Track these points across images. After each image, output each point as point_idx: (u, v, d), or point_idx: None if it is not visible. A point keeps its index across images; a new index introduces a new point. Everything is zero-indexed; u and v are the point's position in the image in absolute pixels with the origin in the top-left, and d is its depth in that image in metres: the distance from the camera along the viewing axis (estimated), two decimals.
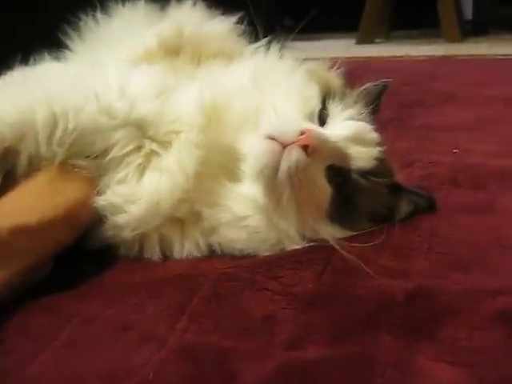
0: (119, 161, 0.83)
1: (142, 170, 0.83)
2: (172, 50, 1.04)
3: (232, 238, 0.82)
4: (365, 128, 0.85)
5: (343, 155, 0.82)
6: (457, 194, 1.02)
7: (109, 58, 0.98)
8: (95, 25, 1.13)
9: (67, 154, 0.81)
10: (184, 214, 0.83)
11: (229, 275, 0.76)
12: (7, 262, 0.71)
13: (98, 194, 0.82)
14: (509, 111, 1.63)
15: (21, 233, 0.72)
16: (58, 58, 1.01)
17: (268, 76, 0.89)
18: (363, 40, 3.49)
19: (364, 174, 0.83)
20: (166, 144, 0.84)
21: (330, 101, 0.87)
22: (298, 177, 0.77)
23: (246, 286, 0.73)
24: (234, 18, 1.15)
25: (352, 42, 3.53)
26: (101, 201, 0.82)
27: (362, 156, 0.83)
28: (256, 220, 0.81)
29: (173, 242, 0.84)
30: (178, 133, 0.83)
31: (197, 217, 0.84)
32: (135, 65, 0.93)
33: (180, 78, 0.91)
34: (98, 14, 1.13)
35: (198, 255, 0.84)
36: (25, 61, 0.93)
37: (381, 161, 0.85)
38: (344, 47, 3.35)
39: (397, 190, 0.88)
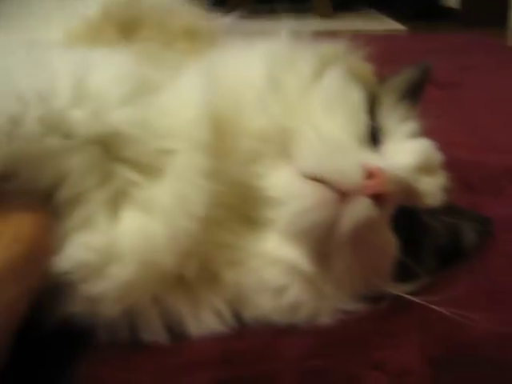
0: (78, 198, 0.53)
1: (113, 207, 0.54)
2: (125, 25, 0.73)
3: (267, 308, 0.57)
4: (431, 148, 0.63)
5: (413, 193, 0.60)
6: (482, 202, 0.85)
7: (43, 36, 0.65)
8: None
9: None
10: (193, 275, 0.55)
11: (313, 371, 0.50)
12: None
13: (55, 250, 0.51)
14: (442, 93, 1.52)
15: None
16: None
17: (290, 74, 0.61)
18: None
19: (433, 212, 0.62)
20: (150, 171, 0.54)
21: (379, 108, 0.63)
22: (363, 235, 0.54)
23: None
24: None
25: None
26: (62, 261, 0.51)
27: (432, 189, 0.62)
28: (297, 290, 0.57)
29: (182, 315, 0.56)
30: (170, 153, 0.54)
31: (211, 278, 0.56)
32: (86, 47, 0.62)
33: (158, 67, 0.60)
34: None
35: (226, 330, 0.57)
36: None
37: (448, 191, 0.64)
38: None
39: (458, 217, 0.67)
